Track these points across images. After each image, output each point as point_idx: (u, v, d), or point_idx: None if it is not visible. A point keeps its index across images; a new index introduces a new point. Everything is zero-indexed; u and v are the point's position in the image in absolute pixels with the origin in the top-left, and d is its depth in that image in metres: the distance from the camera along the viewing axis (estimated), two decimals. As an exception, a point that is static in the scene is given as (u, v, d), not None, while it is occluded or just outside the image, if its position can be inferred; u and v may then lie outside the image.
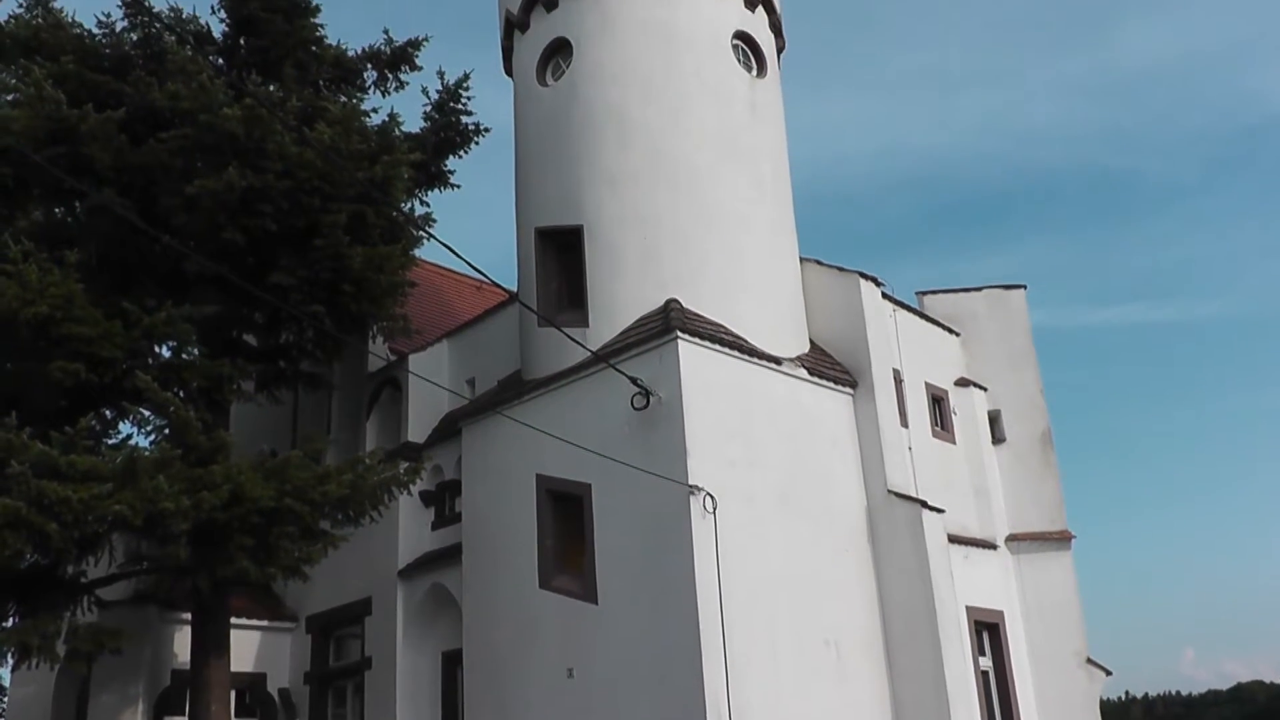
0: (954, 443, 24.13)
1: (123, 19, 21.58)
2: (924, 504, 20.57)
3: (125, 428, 22.50)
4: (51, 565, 19.07)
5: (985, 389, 25.24)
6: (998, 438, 25.03)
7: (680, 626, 17.26)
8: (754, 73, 23.15)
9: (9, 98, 20.85)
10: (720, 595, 17.42)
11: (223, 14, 22.37)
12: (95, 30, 21.38)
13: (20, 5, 21.56)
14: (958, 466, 23.89)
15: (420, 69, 23.96)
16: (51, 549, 17.37)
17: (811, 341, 22.02)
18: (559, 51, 22.97)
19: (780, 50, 24.73)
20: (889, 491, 20.77)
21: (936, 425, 23.85)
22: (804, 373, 20.83)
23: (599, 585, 18.83)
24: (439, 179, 23.76)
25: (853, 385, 21.62)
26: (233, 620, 22.05)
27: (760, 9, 23.78)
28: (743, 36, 23.15)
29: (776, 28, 24.49)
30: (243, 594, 23.09)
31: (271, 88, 21.31)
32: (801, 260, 22.73)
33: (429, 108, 23.32)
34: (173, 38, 20.76)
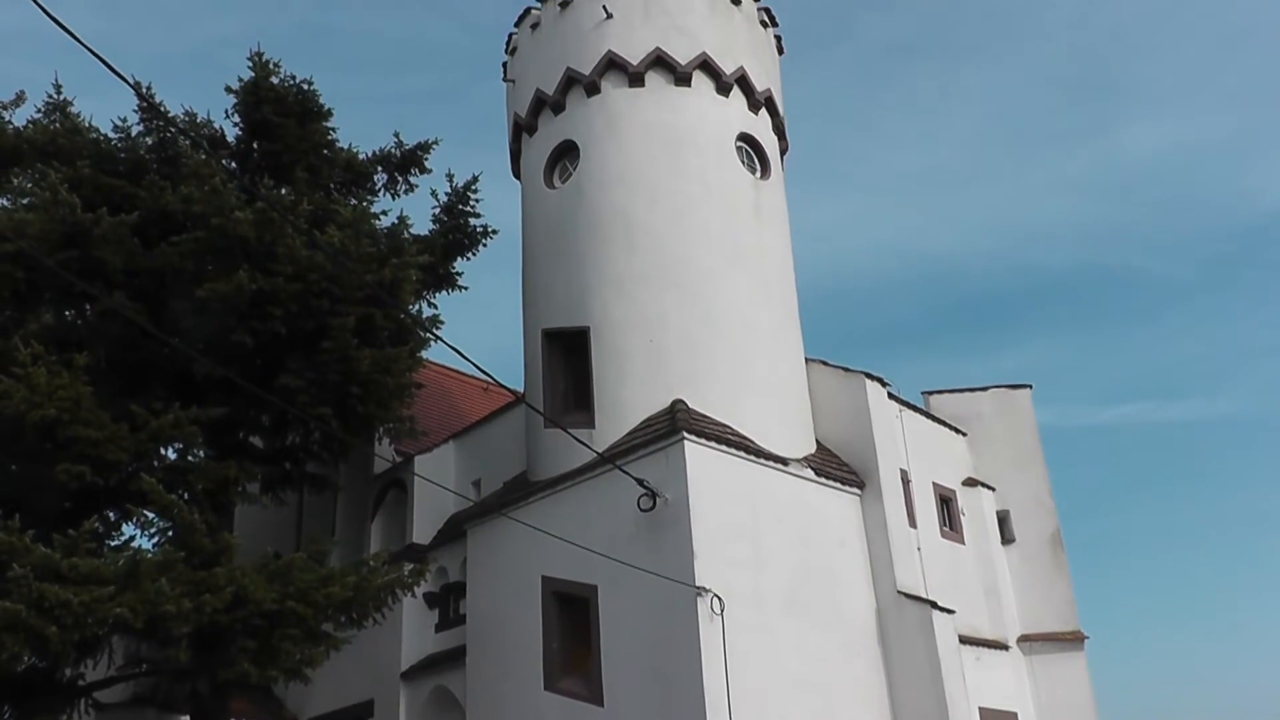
0: (963, 543, 24.01)
1: (139, 123, 21.88)
2: (934, 605, 20.41)
3: (128, 529, 22.39)
4: (49, 668, 18.84)
5: (993, 489, 25.16)
6: (1007, 538, 24.90)
7: (688, 730, 17.02)
8: (758, 174, 23.41)
9: (24, 201, 21.12)
10: (729, 698, 17.21)
11: (237, 118, 22.64)
12: (111, 135, 21.65)
13: (39, 111, 21.91)
14: (967, 567, 23.76)
15: (430, 171, 24.22)
16: (50, 652, 17.09)
17: (818, 442, 21.99)
18: (566, 154, 23.28)
19: (783, 152, 25.05)
20: (899, 592, 20.60)
21: (945, 525, 23.74)
22: (811, 473, 20.79)
23: (605, 687, 18.63)
24: (447, 281, 23.90)
25: (860, 486, 21.55)
26: (233, 723, 21.75)
27: (763, 111, 24.15)
28: (746, 139, 23.46)
29: (779, 130, 24.82)
30: (243, 696, 22.80)
31: (283, 191, 21.55)
32: (807, 361, 22.80)
33: (438, 210, 23.54)
34: (187, 142, 21.01)
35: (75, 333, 21.08)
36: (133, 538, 23.97)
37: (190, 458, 20.39)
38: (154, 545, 19.75)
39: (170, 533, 19.11)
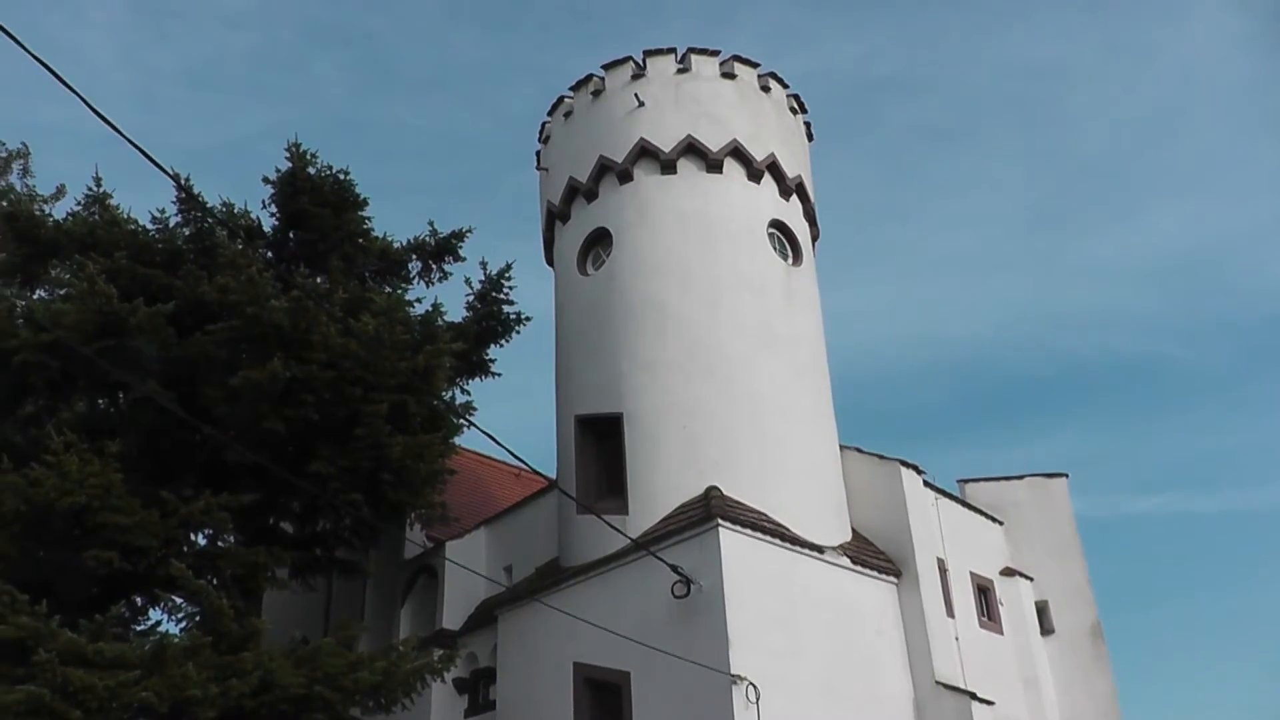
0: (1001, 633, 23.60)
1: (176, 214, 22.23)
2: (973, 696, 19.98)
3: (155, 614, 22.33)
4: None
5: (1031, 579, 24.80)
6: (1046, 629, 24.48)
7: (724, 823, 16.69)
8: (789, 260, 23.45)
9: (61, 292, 21.34)
10: (765, 790, 16.92)
11: (273, 208, 22.97)
12: (149, 226, 21.96)
13: (79, 203, 22.23)
14: (1006, 658, 23.33)
15: (464, 259, 24.49)
16: None
17: (853, 530, 21.75)
18: (599, 242, 23.43)
19: (815, 238, 25.11)
20: (937, 683, 20.20)
21: (983, 615, 23.37)
22: (847, 561, 20.55)
23: (639, 778, 18.32)
24: (480, 368, 23.99)
25: (897, 574, 21.27)
26: (256, 811, 21.47)
27: (794, 198, 24.27)
28: (778, 225, 23.55)
29: (810, 216, 24.90)
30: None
31: (319, 280, 21.73)
32: (842, 448, 22.62)
33: (471, 297, 23.70)
34: (224, 232, 21.27)
35: (108, 420, 21.32)
36: (159, 623, 23.92)
37: (220, 543, 20.46)
38: (181, 630, 19.81)
39: (198, 618, 19.12)
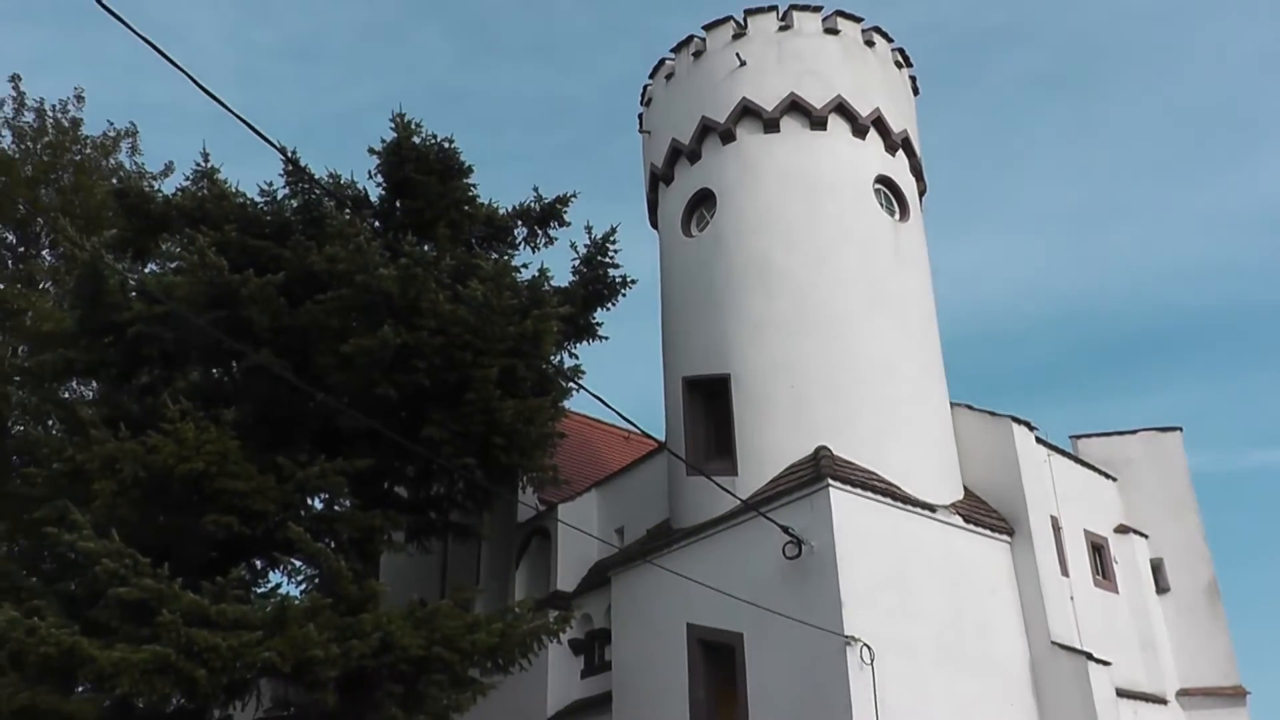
0: (1116, 592, 23.26)
1: (284, 187, 22.50)
2: (1090, 656, 19.75)
3: (274, 577, 22.87)
4: (198, 710, 19.30)
5: (1146, 536, 24.41)
6: (1161, 587, 24.09)
7: (840, 782, 16.71)
8: (896, 216, 23.20)
9: (173, 266, 21.78)
10: (881, 751, 16.90)
11: (379, 178, 23.18)
12: (257, 199, 22.33)
13: (187, 179, 22.62)
14: (1121, 617, 23.01)
15: (569, 224, 24.45)
16: (199, 694, 17.55)
17: (965, 488, 21.54)
18: (703, 202, 23.35)
19: (922, 193, 24.78)
20: (1052, 643, 19.99)
21: (1098, 574, 23.05)
22: (959, 520, 20.38)
23: (753, 738, 18.39)
24: (587, 331, 23.99)
25: (1010, 533, 21.03)
26: (378, 767, 21.91)
27: (900, 153, 23.98)
28: (884, 181, 23.29)
29: (917, 171, 24.59)
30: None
31: (426, 247, 21.88)
32: (952, 405, 22.39)
33: (577, 262, 23.70)
34: (332, 203, 21.50)
35: (222, 389, 21.76)
36: (279, 585, 24.53)
37: (336, 507, 20.78)
38: (301, 592, 20.18)
39: (317, 580, 19.46)
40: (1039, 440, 22.75)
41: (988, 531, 20.77)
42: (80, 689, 18.55)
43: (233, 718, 20.32)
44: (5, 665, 17.58)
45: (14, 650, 17.10)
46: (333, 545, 19.65)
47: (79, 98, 31.24)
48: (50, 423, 26.56)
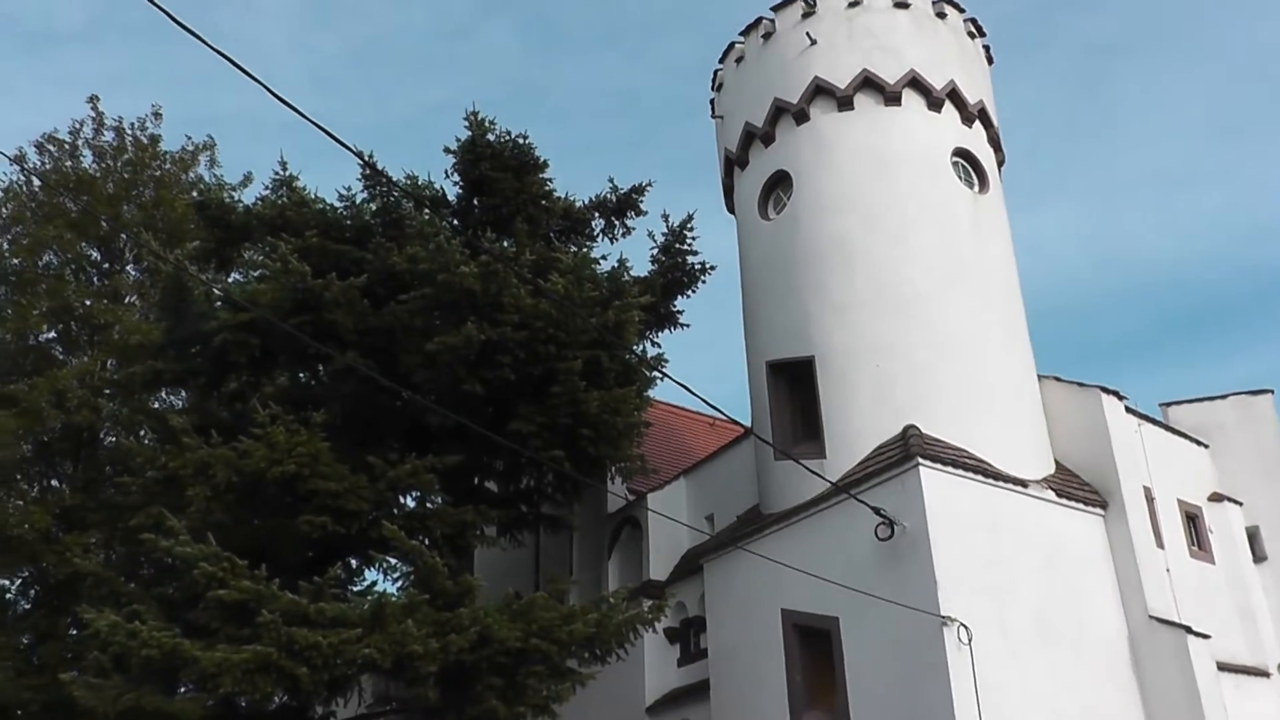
0: (1213, 563, 22.86)
1: (362, 190, 22.68)
2: (1189, 629, 19.49)
3: (370, 575, 23.14)
4: (301, 707, 19.67)
5: (1240, 503, 23.96)
6: (1258, 556, 23.63)
7: (943, 765, 16.64)
8: (976, 189, 22.96)
9: (256, 274, 22.07)
10: (982, 730, 16.80)
11: (456, 177, 23.34)
12: (337, 203, 22.52)
13: (266, 188, 22.91)
14: (1219, 588, 22.60)
15: (645, 213, 24.49)
16: (301, 691, 17.92)
17: (1056, 461, 21.32)
18: (779, 184, 23.25)
19: (1000, 164, 24.48)
20: (1150, 617, 19.74)
21: (1193, 544, 22.69)
22: (1051, 494, 20.17)
23: (853, 721, 18.36)
24: (669, 319, 24.03)
25: (1103, 506, 20.77)
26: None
27: (977, 124, 23.69)
28: (962, 153, 23.05)
29: (995, 141, 24.30)
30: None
31: (505, 243, 22.00)
32: (1039, 378, 22.14)
33: (655, 250, 23.69)
34: (410, 204, 21.67)
35: (310, 392, 22.02)
36: (374, 583, 24.83)
37: (428, 504, 21.04)
38: (397, 589, 20.42)
39: (413, 576, 19.67)
40: (1128, 409, 22.43)
41: (1080, 505, 20.54)
42: (183, 690, 18.89)
43: (335, 715, 20.64)
44: (109, 668, 18.05)
45: (117, 653, 17.59)
46: (426, 542, 19.84)
47: (156, 114, 31.65)
48: (142, 433, 27.12)
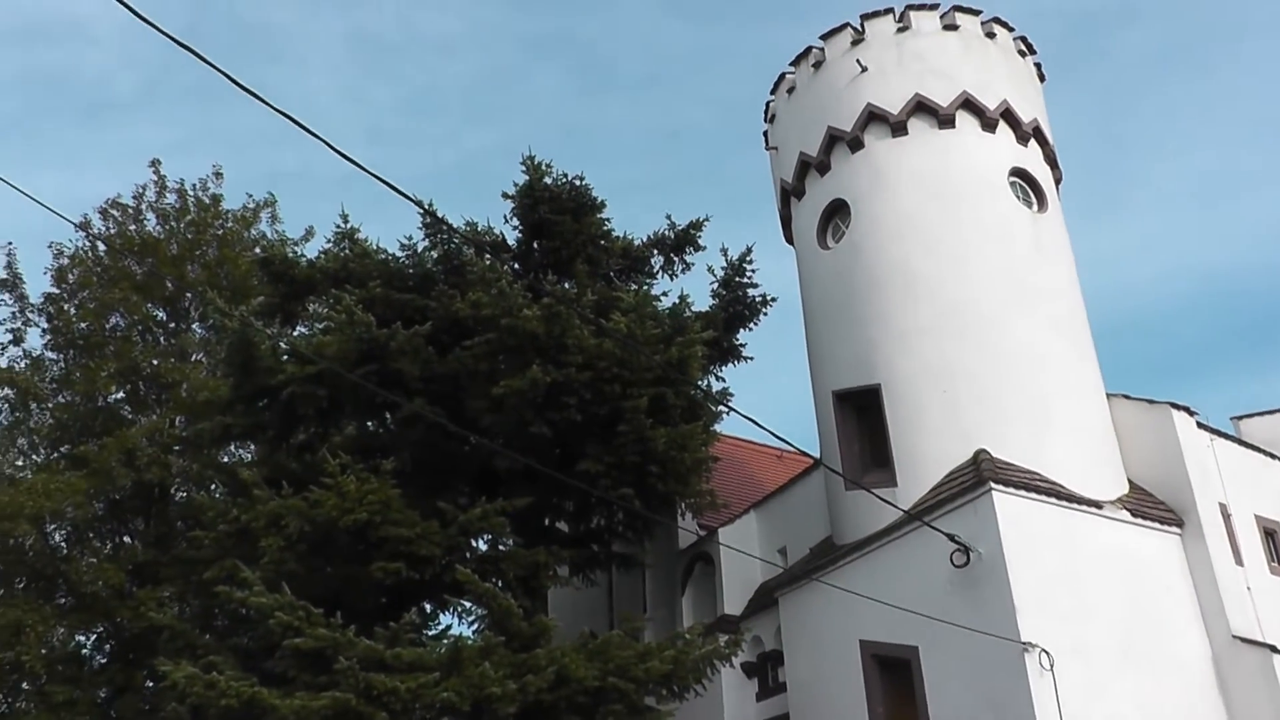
0: (1293, 578, 22.42)
1: (423, 238, 22.96)
2: (1274, 649, 19.06)
3: (444, 619, 23.29)
4: (380, 752, 19.70)
5: (1319, 515, 23.49)
6: (1340, 570, 23.17)
7: (1032, 793, 16.38)
8: (1034, 208, 22.79)
9: (320, 326, 22.29)
10: (1068, 756, 16.56)
11: (515, 222, 23.62)
12: (398, 253, 22.81)
13: (328, 240, 23.21)
14: (1301, 604, 22.14)
15: (704, 248, 24.59)
16: None
17: (1129, 481, 21.02)
18: (837, 213, 23.24)
19: (1058, 181, 24.26)
20: (1233, 637, 19.33)
21: (1273, 560, 22.21)
22: (1126, 515, 19.89)
23: (936, 752, 18.15)
24: (732, 353, 24.08)
25: (1179, 524, 20.40)
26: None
27: (1032, 142, 23.55)
28: (1019, 173, 22.91)
29: (1051, 159, 24.13)
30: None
31: (566, 285, 22.13)
32: (1108, 396, 21.88)
33: (715, 285, 23.81)
34: (471, 250, 21.84)
35: (378, 441, 22.27)
36: (449, 626, 24.91)
37: (500, 547, 21.14)
38: (473, 632, 20.50)
39: (488, 619, 19.76)
40: (1200, 425, 22.04)
41: (1156, 524, 20.20)
42: (262, 738, 19.00)
43: (415, 760, 20.68)
44: (187, 718, 18.22)
45: (195, 704, 17.84)
46: (500, 584, 19.94)
47: (217, 174, 32.06)
48: (212, 487, 27.36)
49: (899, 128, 22.67)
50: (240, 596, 18.42)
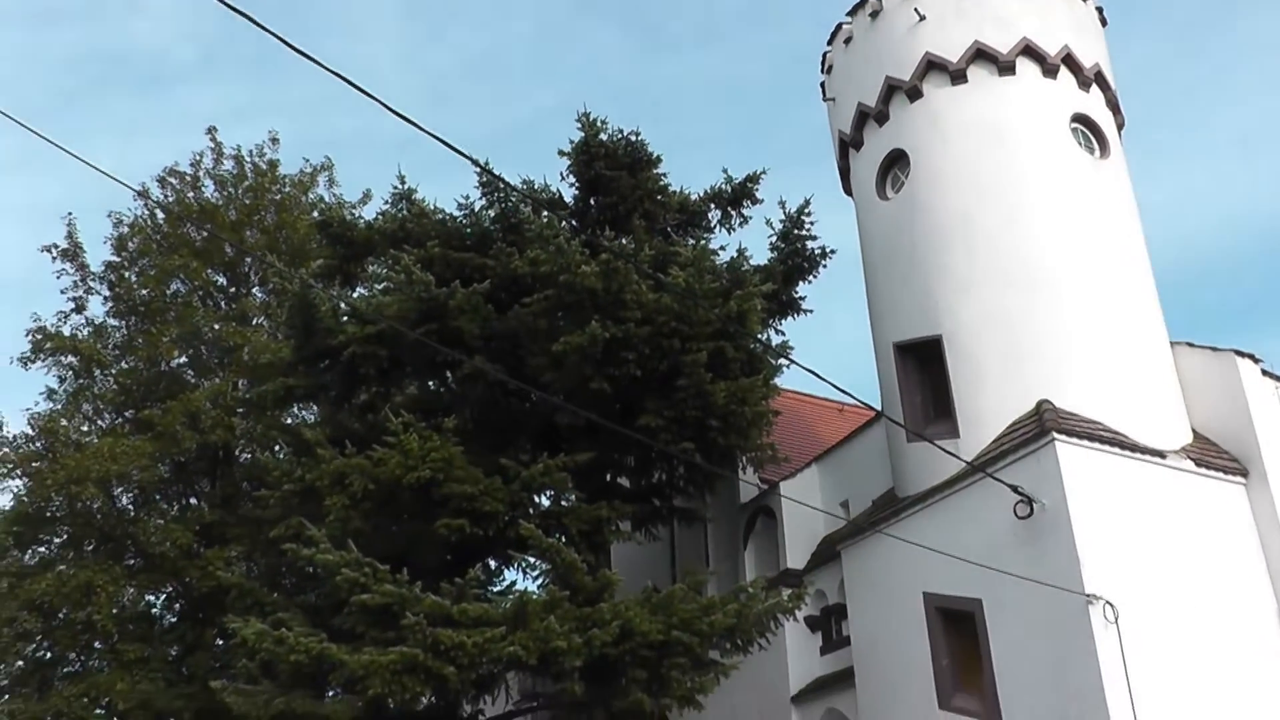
0: (1363, 529, 22.07)
1: (480, 198, 23.04)
2: (1341, 601, 18.87)
3: (509, 574, 23.53)
4: (449, 706, 20.20)
5: (1388, 465, 23.08)
6: None
7: (1097, 744, 16.34)
8: (1096, 155, 22.46)
9: (380, 287, 22.45)
10: (1133, 708, 16.40)
11: (571, 179, 23.61)
12: (456, 213, 22.94)
13: (386, 202, 23.36)
14: (1372, 558, 21.79)
15: (761, 201, 24.45)
16: (449, 690, 18.46)
17: (1193, 430, 20.76)
18: (896, 163, 23.03)
19: (1120, 127, 23.86)
20: (1301, 589, 19.16)
21: (1341, 509, 21.93)
22: (1190, 464, 19.61)
23: (1001, 704, 18.03)
24: (791, 306, 24.00)
25: (1244, 474, 20.05)
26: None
27: (1094, 88, 23.15)
28: (1081, 119, 22.56)
29: (1113, 105, 23.73)
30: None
31: (624, 240, 22.12)
32: (1171, 344, 21.59)
33: (774, 238, 23.67)
34: (529, 208, 21.87)
35: (440, 399, 22.49)
36: (514, 582, 25.18)
37: (563, 503, 21.27)
38: (538, 587, 20.68)
39: (552, 574, 19.92)
40: (1265, 373, 21.68)
41: (1221, 474, 19.88)
42: (332, 693, 19.31)
43: (483, 713, 20.93)
44: (257, 675, 18.63)
45: (265, 660, 18.21)
46: (563, 539, 20.05)
47: (274, 140, 32.38)
48: (276, 448, 27.70)
49: (958, 76, 22.36)
50: (307, 554, 18.67)
